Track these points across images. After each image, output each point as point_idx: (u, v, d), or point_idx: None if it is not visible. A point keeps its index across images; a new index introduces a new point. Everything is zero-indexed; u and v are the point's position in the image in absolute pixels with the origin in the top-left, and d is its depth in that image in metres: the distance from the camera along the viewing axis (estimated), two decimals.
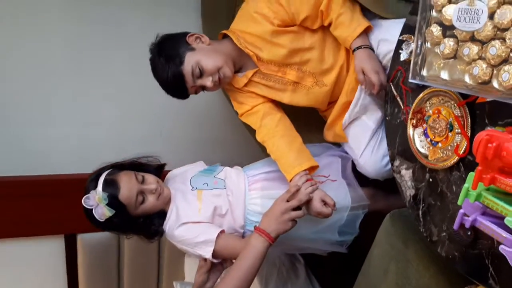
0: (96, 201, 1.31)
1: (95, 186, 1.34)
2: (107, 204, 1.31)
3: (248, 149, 1.94)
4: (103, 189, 1.32)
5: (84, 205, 1.32)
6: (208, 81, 1.38)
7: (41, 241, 2.05)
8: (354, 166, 1.58)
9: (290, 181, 1.38)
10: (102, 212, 1.32)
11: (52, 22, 1.89)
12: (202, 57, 1.37)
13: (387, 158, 1.43)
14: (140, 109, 2.01)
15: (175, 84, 1.38)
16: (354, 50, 1.36)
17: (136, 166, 1.46)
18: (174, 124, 2.04)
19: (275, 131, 1.47)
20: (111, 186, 1.33)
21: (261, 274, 1.80)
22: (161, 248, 2.13)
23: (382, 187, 1.60)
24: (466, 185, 0.81)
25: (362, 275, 1.53)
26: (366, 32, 1.36)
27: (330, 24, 1.38)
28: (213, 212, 1.40)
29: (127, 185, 1.34)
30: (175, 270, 2.11)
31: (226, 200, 1.44)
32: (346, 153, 1.60)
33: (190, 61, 1.35)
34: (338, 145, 1.65)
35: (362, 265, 1.52)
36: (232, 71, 1.42)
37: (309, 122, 1.72)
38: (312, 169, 1.41)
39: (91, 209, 1.32)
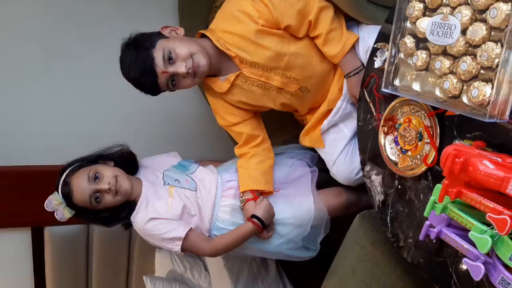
0: (55, 204, 1.40)
1: (57, 187, 1.41)
2: (68, 205, 1.39)
3: (223, 145, 1.94)
4: (61, 192, 1.40)
5: (46, 208, 1.41)
6: (181, 67, 1.26)
7: (7, 234, 2.00)
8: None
9: (241, 192, 1.49)
10: (62, 214, 1.41)
11: (27, 18, 1.83)
12: (175, 43, 1.28)
13: (360, 167, 1.45)
14: (114, 107, 1.98)
15: (144, 70, 1.25)
16: (345, 76, 1.38)
17: (98, 159, 1.48)
18: (148, 122, 2.03)
19: (252, 150, 1.53)
20: (66, 189, 1.39)
21: (233, 271, 1.83)
22: (131, 242, 2.11)
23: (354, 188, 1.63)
24: (432, 197, 0.84)
25: (331, 273, 1.56)
26: (353, 44, 1.35)
27: (316, 36, 1.34)
28: (183, 210, 1.43)
29: (79, 189, 1.38)
30: (145, 264, 2.10)
31: (195, 203, 1.47)
32: (317, 162, 1.65)
33: (162, 46, 1.27)
34: (313, 150, 1.67)
35: (332, 263, 1.56)
36: (208, 62, 1.31)
37: (284, 119, 1.74)
38: (267, 193, 1.51)
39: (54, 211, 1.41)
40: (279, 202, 1.51)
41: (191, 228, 1.43)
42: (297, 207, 1.52)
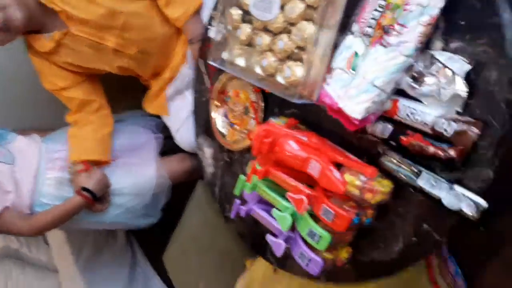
0: None
1: None
2: None
3: (52, 112, 1.71)
4: None
5: None
6: None
7: None
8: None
9: (72, 163, 1.38)
10: None
11: None
12: None
13: None
14: None
15: None
16: (189, 42, 1.32)
17: None
18: None
19: (86, 117, 1.40)
20: None
21: (74, 243, 1.73)
22: None
23: None
24: (242, 176, 0.85)
25: (174, 240, 1.57)
26: (199, 10, 1.29)
27: None
28: None
29: None
30: None
31: (11, 178, 1.30)
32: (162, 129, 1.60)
33: None
34: (158, 116, 1.60)
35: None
36: (23, 16, 1.16)
37: (126, 83, 1.64)
38: (101, 163, 1.41)
39: None
40: (117, 172, 1.44)
41: (6, 207, 1.27)
42: (138, 176, 1.47)
